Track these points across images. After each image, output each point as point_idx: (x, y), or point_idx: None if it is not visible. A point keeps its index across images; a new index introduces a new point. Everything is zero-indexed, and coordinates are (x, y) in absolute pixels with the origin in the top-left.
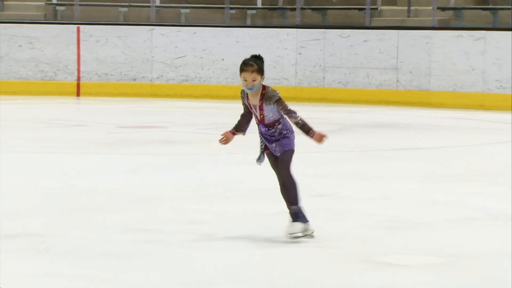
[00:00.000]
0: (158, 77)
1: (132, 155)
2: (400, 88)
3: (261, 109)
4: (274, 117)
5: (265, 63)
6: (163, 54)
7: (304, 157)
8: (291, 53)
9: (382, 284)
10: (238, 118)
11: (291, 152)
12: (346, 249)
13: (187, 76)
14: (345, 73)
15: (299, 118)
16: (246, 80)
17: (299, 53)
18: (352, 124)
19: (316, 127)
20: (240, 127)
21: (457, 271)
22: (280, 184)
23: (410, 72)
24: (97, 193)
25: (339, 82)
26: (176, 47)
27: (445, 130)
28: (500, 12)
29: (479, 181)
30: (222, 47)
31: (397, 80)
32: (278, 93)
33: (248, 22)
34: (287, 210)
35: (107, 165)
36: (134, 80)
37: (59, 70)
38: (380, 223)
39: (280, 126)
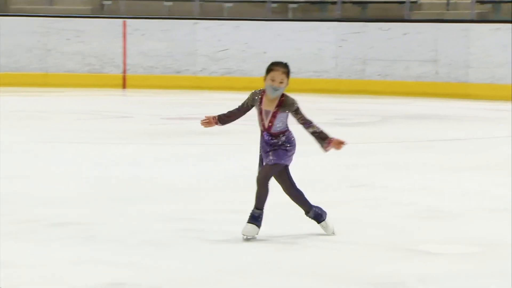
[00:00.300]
0: (201, 70)
1: (175, 146)
2: (438, 80)
3: (273, 116)
4: (281, 128)
5: (305, 56)
6: (206, 47)
7: (343, 148)
8: (331, 46)
9: (420, 273)
10: (231, 110)
11: (280, 166)
12: (383, 238)
13: (229, 68)
14: (384, 66)
15: (316, 127)
16: (273, 81)
17: (339, 46)
18: (391, 116)
19: (356, 119)
20: (225, 119)
21: (494, 260)
22: (256, 188)
23: (449, 64)
24: (139, 183)
25: (379, 75)
26: (219, 40)
27: (482, 122)
28: None
29: None
30: (263, 41)
31: (435, 72)
32: (297, 102)
33: (289, 16)
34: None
35: (151, 155)
36: (178, 72)
37: (105, 63)
38: (417, 212)
39: (283, 139)
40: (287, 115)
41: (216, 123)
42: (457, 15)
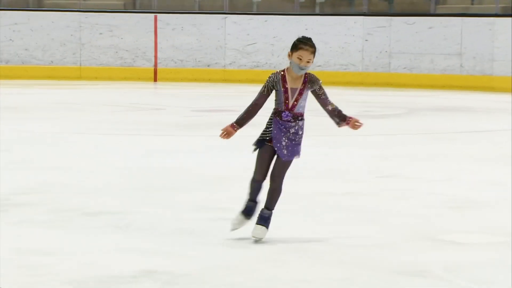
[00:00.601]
0: (230, 63)
1: (205, 137)
2: (463, 73)
3: (300, 93)
4: (302, 109)
5: (333, 50)
6: (236, 41)
7: (371, 139)
8: (358, 39)
9: (445, 262)
10: (246, 108)
11: (291, 162)
12: (410, 227)
13: (258, 62)
14: (410, 59)
15: (335, 106)
16: (301, 59)
17: (366, 40)
18: (417, 108)
19: (383, 111)
20: (245, 120)
21: None
22: (270, 184)
23: (474, 57)
24: (172, 173)
25: (405, 68)
26: (248, 34)
27: (507, 114)
28: None
29: None
30: (292, 34)
31: (460, 66)
32: (319, 79)
33: (317, 10)
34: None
35: (182, 146)
36: (208, 66)
37: (137, 56)
38: (443, 202)
39: (300, 123)
40: (308, 95)
41: (235, 129)
42: (481, 9)
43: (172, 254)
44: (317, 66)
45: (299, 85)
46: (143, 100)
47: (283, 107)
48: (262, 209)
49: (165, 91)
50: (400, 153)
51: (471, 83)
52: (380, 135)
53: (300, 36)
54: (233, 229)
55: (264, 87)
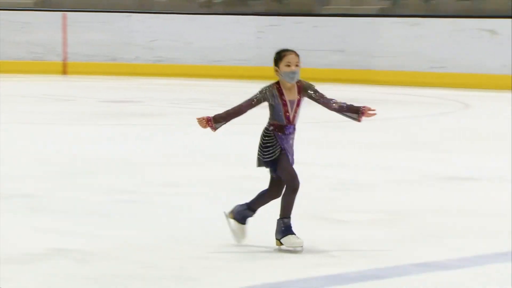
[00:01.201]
0: (135, 58)
1: (112, 126)
2: (347, 68)
3: (298, 105)
4: (297, 120)
5: (230, 46)
6: (141, 38)
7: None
8: (252, 37)
9: (332, 238)
10: (230, 108)
11: None
12: (301, 207)
13: (161, 57)
14: (299, 55)
15: (340, 102)
16: (289, 65)
17: (259, 37)
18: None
19: None
20: (223, 120)
21: (401, 226)
22: (291, 196)
23: (356, 53)
24: (84, 158)
25: None
26: (152, 31)
27: (387, 104)
28: (434, 1)
29: (416, 148)
30: (192, 32)
31: (344, 61)
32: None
33: (215, 10)
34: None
35: (94, 134)
36: (115, 60)
37: (48, 51)
38: (332, 185)
39: (295, 131)
40: (312, 96)
41: (210, 125)
42: (362, 10)
43: (84, 234)
44: (215, 61)
45: (295, 96)
46: (54, 92)
47: (285, 121)
48: (281, 219)
49: (74, 84)
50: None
51: (353, 76)
52: None
53: (279, 49)
54: (301, 250)
55: (256, 98)
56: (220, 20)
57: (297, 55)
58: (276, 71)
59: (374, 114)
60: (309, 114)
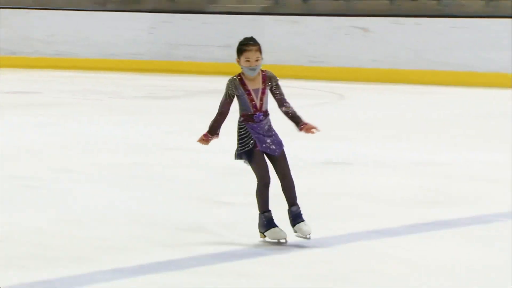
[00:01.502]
0: (34, 52)
1: (14, 116)
2: (233, 62)
3: (263, 92)
4: (267, 105)
5: (124, 41)
6: (39, 32)
7: (155, 118)
8: (145, 33)
9: (220, 219)
10: (213, 118)
11: (284, 152)
12: (190, 190)
13: (59, 51)
14: (189, 50)
15: (290, 108)
16: (249, 61)
17: (151, 33)
18: (195, 91)
19: (166, 93)
20: (216, 128)
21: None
22: (282, 183)
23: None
24: None
25: (185, 57)
26: (51, 27)
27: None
28: (312, 1)
29: (295, 136)
30: (89, 28)
31: (230, 56)
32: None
33: (109, 7)
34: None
35: None
36: (14, 54)
37: None
38: (217, 169)
39: (269, 118)
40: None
41: (210, 139)
42: (247, 9)
43: None
44: (110, 54)
45: (260, 85)
46: None
47: (252, 110)
48: (290, 209)
49: None
50: (182, 129)
51: (238, 69)
52: (165, 114)
53: (242, 39)
54: (285, 242)
55: (225, 95)
56: (114, 16)
57: (258, 50)
58: (237, 61)
59: (314, 132)
60: (198, 106)
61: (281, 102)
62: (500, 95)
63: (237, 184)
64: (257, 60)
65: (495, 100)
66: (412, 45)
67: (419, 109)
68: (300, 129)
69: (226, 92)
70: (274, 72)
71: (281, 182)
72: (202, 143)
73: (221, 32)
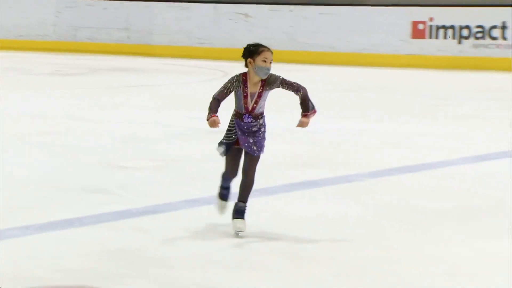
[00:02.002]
0: None
1: None
2: (131, 43)
3: (259, 96)
4: (262, 108)
5: (32, 23)
6: None
7: (65, 92)
8: (51, 16)
9: (120, 181)
10: (210, 102)
11: (259, 156)
12: (94, 156)
13: None
14: (91, 32)
15: (302, 94)
16: (265, 61)
17: (56, 17)
18: (98, 68)
19: (71, 71)
20: (215, 109)
21: (174, 170)
22: (243, 179)
23: (138, 31)
24: None
25: (87, 38)
26: None
27: (165, 73)
28: None
29: (188, 107)
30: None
31: (128, 37)
32: (279, 75)
33: None
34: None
35: None
36: None
37: None
38: (121, 138)
39: (261, 121)
40: (268, 94)
41: (216, 116)
42: None
43: None
44: (20, 35)
45: (257, 89)
46: None
47: (243, 110)
48: (237, 202)
49: None
50: (85, 102)
51: (137, 50)
52: (70, 88)
53: (251, 43)
54: (221, 214)
55: (226, 87)
56: (24, 1)
57: (272, 52)
58: (250, 63)
59: (303, 126)
60: (100, 82)
61: (295, 91)
62: (358, 72)
63: (133, 150)
64: (271, 62)
65: (355, 77)
66: (286, 29)
67: None
68: (302, 116)
69: (227, 85)
70: (166, 51)
71: (242, 177)
72: (214, 125)
73: (120, 16)
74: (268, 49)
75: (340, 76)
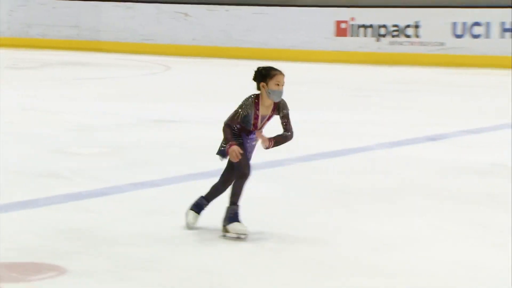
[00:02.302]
0: None
1: None
2: (80, 39)
3: (268, 119)
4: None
5: None
6: None
7: (18, 84)
8: (4, 13)
9: (71, 167)
10: (224, 132)
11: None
12: (48, 145)
13: None
14: (43, 29)
15: (287, 134)
16: (279, 84)
17: (10, 15)
18: (50, 63)
19: (25, 65)
20: (232, 137)
21: (121, 156)
22: (237, 177)
23: (86, 29)
24: None
25: (39, 34)
26: None
27: (113, 67)
28: None
29: (134, 99)
30: None
31: (77, 34)
32: (288, 108)
33: None
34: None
35: None
36: None
37: None
38: (72, 126)
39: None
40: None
41: (235, 144)
42: None
43: None
44: None
45: (269, 112)
46: None
47: (251, 128)
48: (232, 206)
49: None
50: (38, 93)
51: (85, 46)
52: (24, 81)
53: (261, 66)
54: (191, 227)
55: (238, 113)
56: None
57: (284, 76)
58: (263, 87)
59: (261, 141)
60: (52, 75)
61: (285, 130)
62: (288, 66)
63: (84, 138)
64: (283, 85)
65: (285, 71)
66: (223, 27)
67: (229, 78)
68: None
69: (239, 109)
70: (113, 47)
71: (236, 177)
72: (236, 155)
73: (70, 14)
74: (280, 72)
75: None
